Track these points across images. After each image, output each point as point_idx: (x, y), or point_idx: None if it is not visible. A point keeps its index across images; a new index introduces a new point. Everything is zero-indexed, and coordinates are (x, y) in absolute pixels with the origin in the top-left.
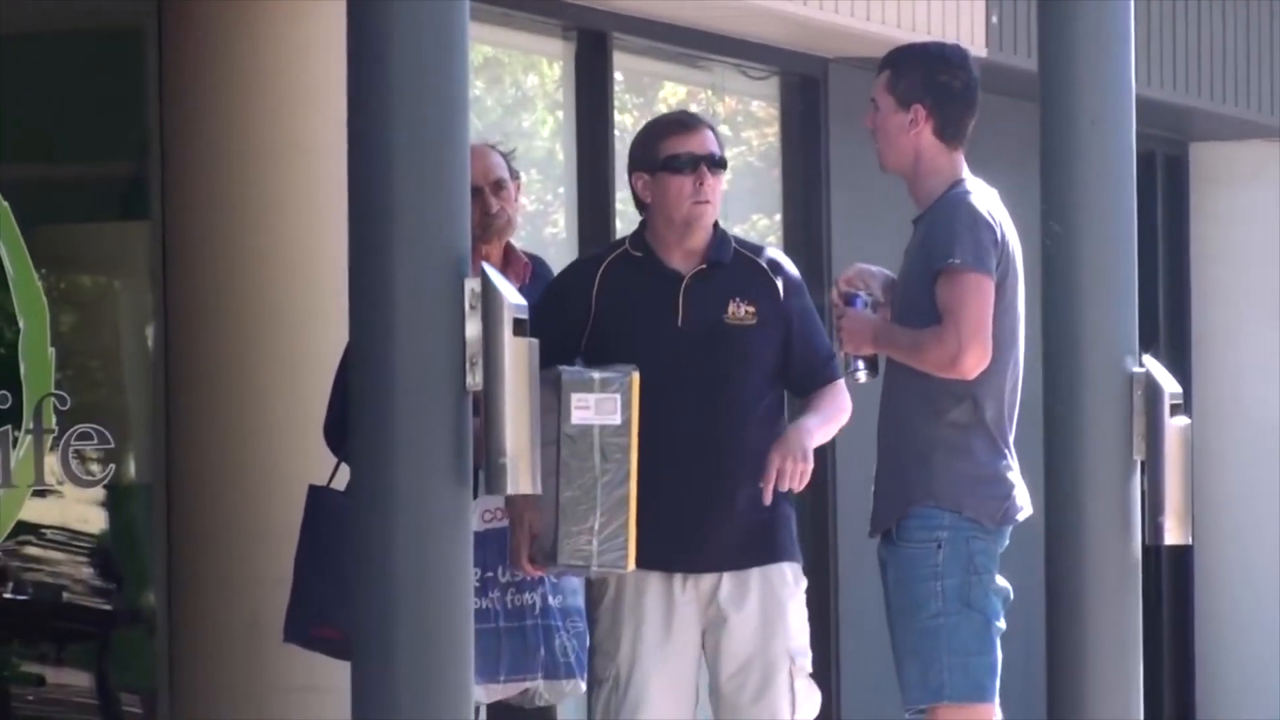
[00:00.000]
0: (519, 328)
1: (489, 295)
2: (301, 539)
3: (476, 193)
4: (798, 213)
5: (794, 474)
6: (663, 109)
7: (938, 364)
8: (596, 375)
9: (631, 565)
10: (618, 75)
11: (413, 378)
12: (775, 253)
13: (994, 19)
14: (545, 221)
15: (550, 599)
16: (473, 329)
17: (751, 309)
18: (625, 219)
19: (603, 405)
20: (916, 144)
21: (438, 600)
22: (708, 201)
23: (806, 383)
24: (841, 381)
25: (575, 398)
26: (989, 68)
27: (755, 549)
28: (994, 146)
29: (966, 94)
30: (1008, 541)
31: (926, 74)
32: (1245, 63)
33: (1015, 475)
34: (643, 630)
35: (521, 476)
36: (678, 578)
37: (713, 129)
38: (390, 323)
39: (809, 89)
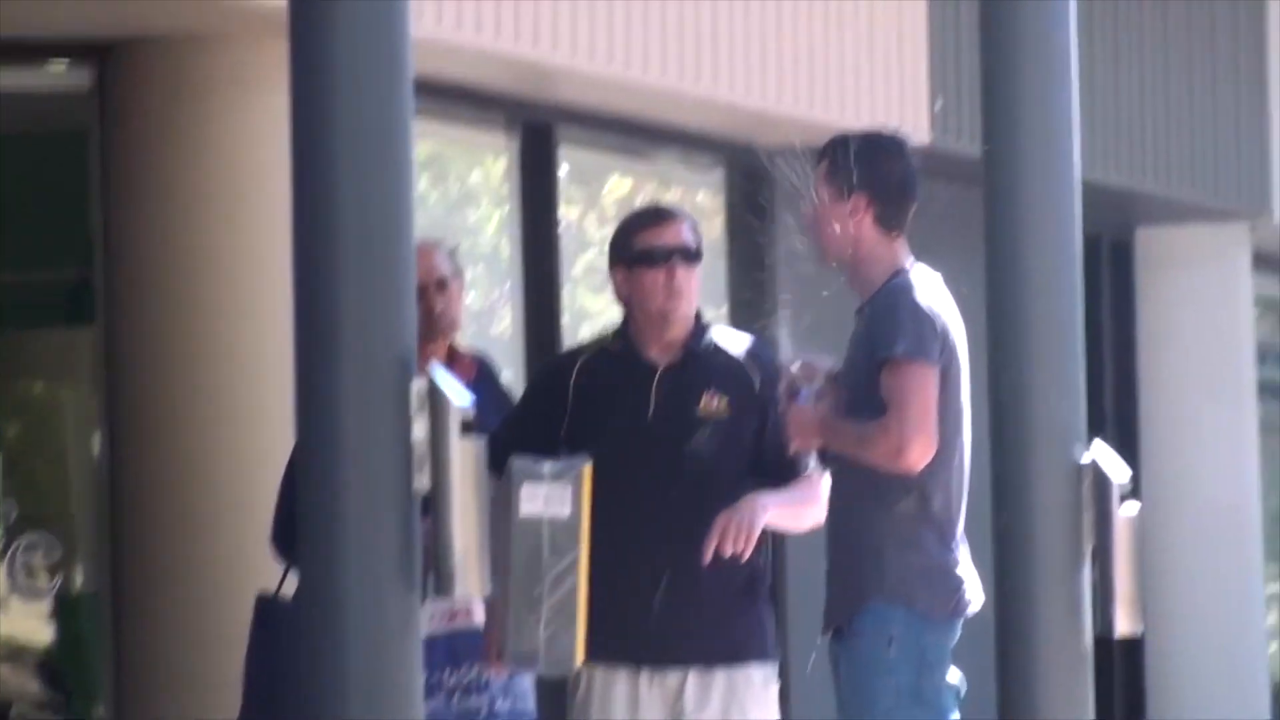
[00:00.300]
0: (466, 429)
1: (435, 396)
2: (250, 651)
3: (420, 292)
4: (743, 302)
5: (736, 537)
6: (608, 202)
7: (884, 457)
8: (547, 466)
9: (579, 662)
10: (562, 169)
11: (360, 480)
12: (755, 344)
13: (937, 104)
14: (492, 318)
15: (499, 702)
16: (419, 430)
17: (725, 400)
18: (572, 313)
19: (552, 497)
20: (857, 233)
21: (388, 706)
22: (680, 295)
23: (780, 473)
24: (816, 475)
25: (525, 489)
26: (932, 154)
27: (723, 647)
28: (938, 233)
29: (906, 182)
30: (959, 634)
31: (865, 163)
32: (1190, 146)
33: (965, 567)
34: None
35: (470, 579)
36: (644, 674)
37: (689, 221)
38: (337, 425)
39: (753, 179)
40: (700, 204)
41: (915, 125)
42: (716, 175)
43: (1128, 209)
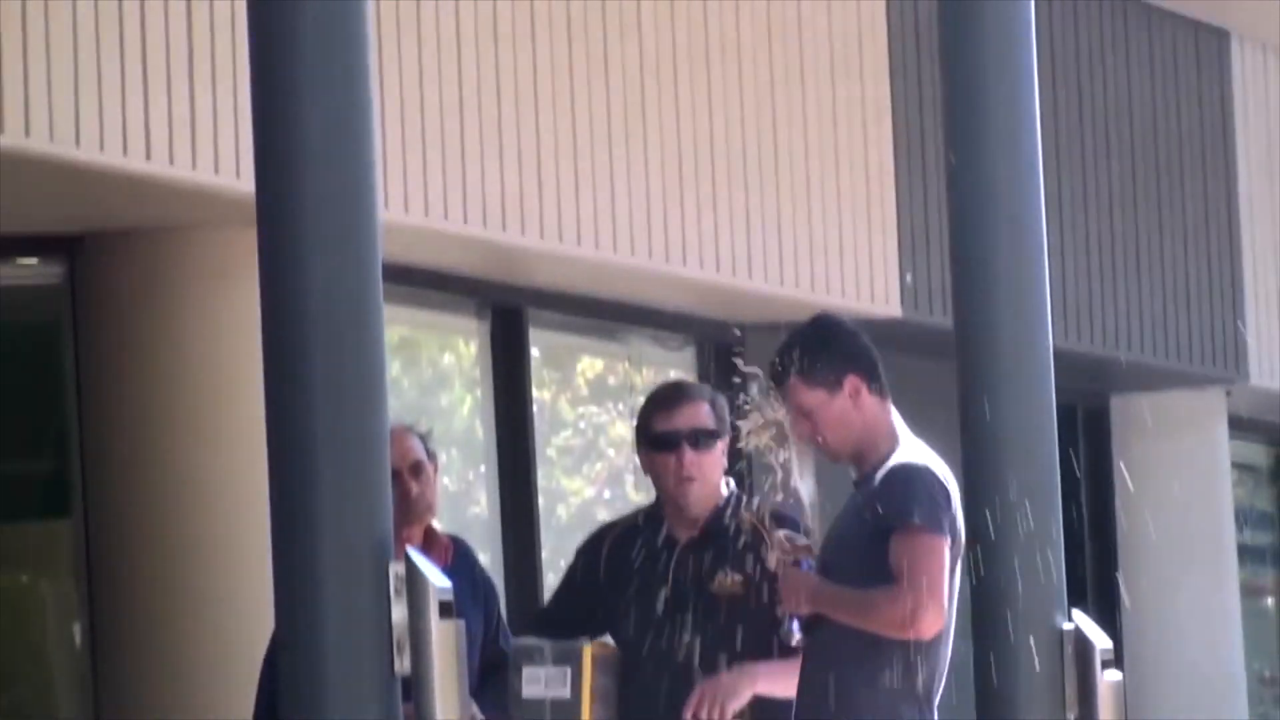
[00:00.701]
0: (445, 610)
1: (414, 579)
2: None
3: (394, 476)
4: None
5: (711, 706)
6: (581, 383)
7: (891, 622)
8: (548, 647)
9: None
10: (534, 350)
11: (340, 663)
12: (776, 514)
13: (908, 278)
14: (468, 500)
15: None
16: (398, 613)
17: (739, 577)
18: (548, 494)
19: (552, 680)
20: (863, 415)
21: None
22: (691, 479)
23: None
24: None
25: (526, 671)
26: (903, 327)
27: None
28: (913, 405)
29: (869, 345)
30: None
31: (833, 348)
32: (1163, 312)
33: None
34: None
35: None
36: None
37: (708, 400)
38: (316, 608)
39: (725, 355)
40: None
41: (886, 299)
42: (688, 354)
43: (1102, 377)
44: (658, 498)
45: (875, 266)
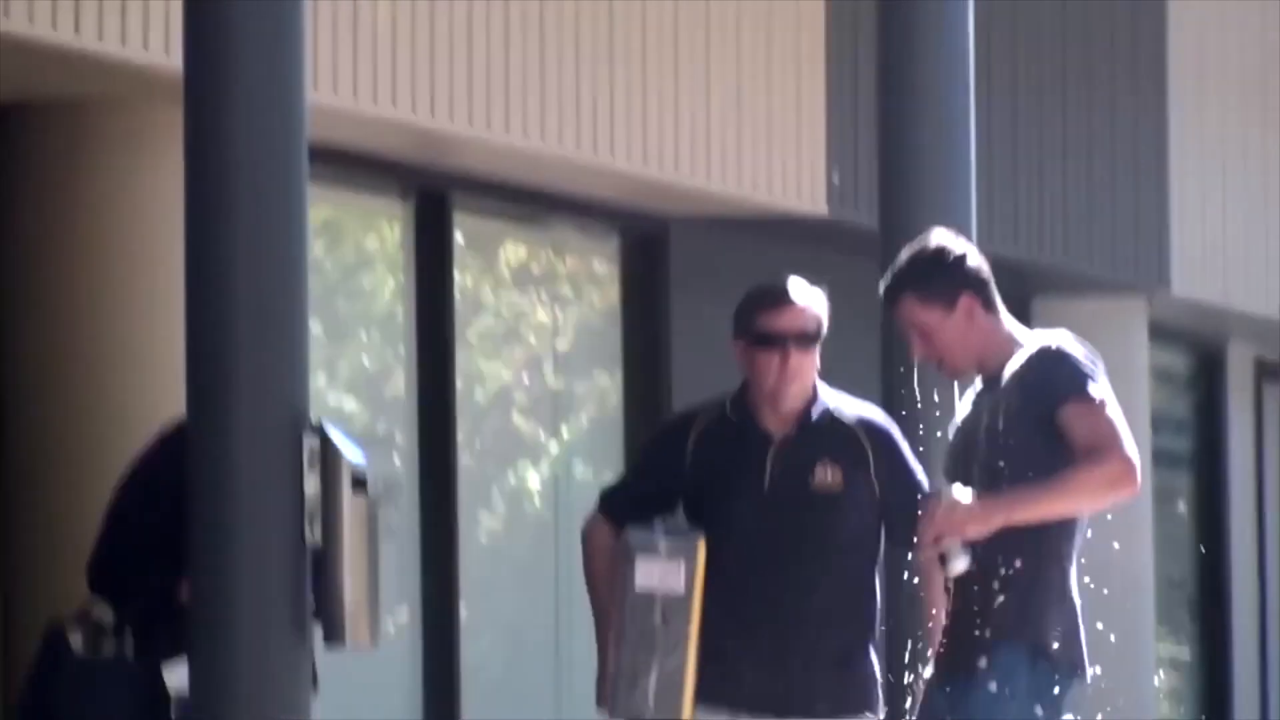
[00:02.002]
0: (358, 484)
1: (328, 452)
2: (33, 682)
3: None
4: (638, 371)
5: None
6: (504, 269)
7: (1110, 483)
8: (663, 543)
9: (687, 714)
10: (458, 236)
11: (251, 534)
12: (871, 415)
13: (835, 177)
14: (386, 381)
15: None
16: (311, 486)
17: (839, 475)
18: (466, 378)
19: (667, 574)
20: (981, 332)
21: None
22: (793, 379)
23: (907, 539)
24: None
25: (640, 564)
26: (830, 226)
27: (823, 702)
28: (836, 304)
29: (982, 263)
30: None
31: (951, 267)
32: (1088, 219)
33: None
34: None
35: (361, 629)
36: (742, 717)
37: (812, 302)
38: (230, 479)
39: (650, 247)
40: (596, 271)
41: (812, 199)
42: (612, 244)
43: (1025, 281)
44: (742, 388)
45: (802, 165)
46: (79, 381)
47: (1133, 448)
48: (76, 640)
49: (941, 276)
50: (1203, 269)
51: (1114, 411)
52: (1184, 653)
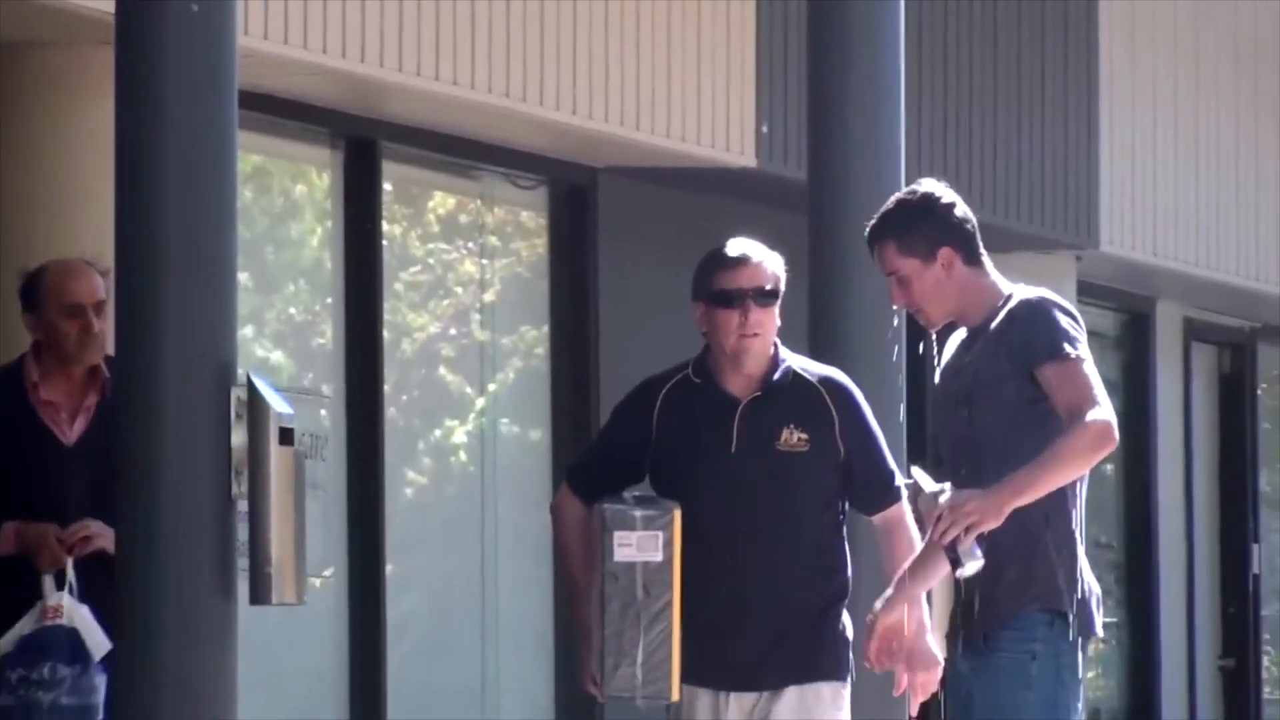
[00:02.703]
0: (285, 437)
1: (255, 404)
2: None
3: (79, 311)
4: (565, 323)
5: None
6: (432, 219)
7: (1090, 450)
8: (638, 513)
9: (675, 695)
10: (386, 185)
11: (178, 487)
12: (834, 375)
13: (764, 128)
14: (313, 332)
15: (64, 698)
16: (238, 438)
17: (805, 435)
18: (393, 329)
19: (644, 543)
20: (958, 284)
21: (201, 709)
22: (755, 335)
23: (870, 503)
24: (904, 505)
25: (618, 536)
26: (758, 177)
27: (794, 668)
28: None
29: (968, 215)
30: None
31: (934, 218)
32: (1017, 175)
33: (1094, 583)
34: None
35: (287, 586)
36: (723, 695)
37: (769, 260)
38: (157, 430)
39: (577, 198)
40: (524, 223)
41: (741, 149)
42: (540, 195)
43: None
44: (704, 353)
45: (732, 116)
46: (5, 327)
47: (1107, 404)
48: None
49: (923, 226)
50: (1132, 227)
51: (1090, 369)
52: (1111, 618)
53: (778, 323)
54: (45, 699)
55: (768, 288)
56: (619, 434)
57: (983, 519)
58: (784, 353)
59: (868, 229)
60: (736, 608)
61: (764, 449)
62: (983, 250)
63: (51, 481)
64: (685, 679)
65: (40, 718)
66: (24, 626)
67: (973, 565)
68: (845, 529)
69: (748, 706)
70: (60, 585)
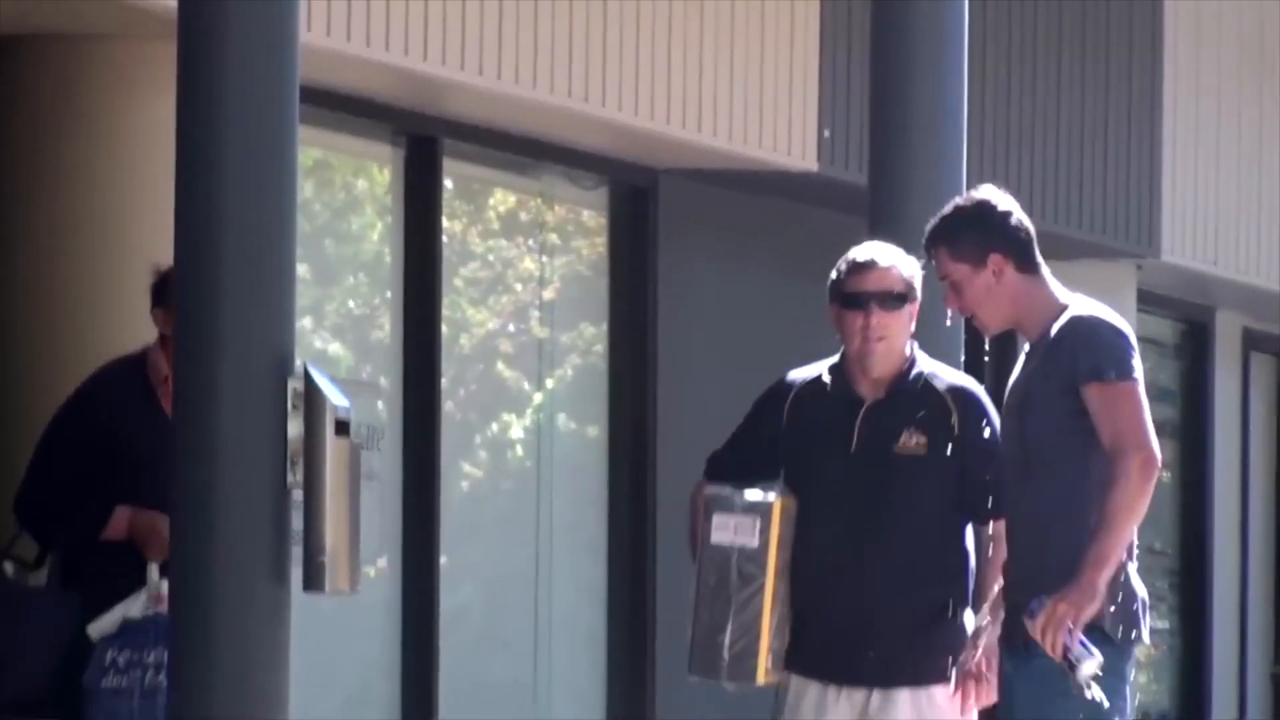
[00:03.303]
0: (341, 428)
1: (311, 395)
2: None
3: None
4: (624, 322)
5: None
6: (492, 216)
7: (1142, 487)
8: (740, 498)
9: (761, 680)
10: (447, 182)
11: (234, 475)
12: (965, 383)
13: (826, 133)
14: (372, 325)
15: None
16: (294, 428)
17: (923, 440)
18: (452, 324)
19: (742, 528)
20: (1010, 292)
21: (254, 698)
22: (880, 339)
23: (973, 514)
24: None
25: (716, 518)
26: (820, 182)
27: (907, 670)
28: (823, 260)
29: (1021, 223)
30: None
31: (985, 224)
32: (1079, 184)
33: (1142, 589)
34: None
35: (340, 575)
36: (832, 689)
37: (901, 263)
38: (213, 418)
39: (638, 199)
40: (584, 222)
41: (803, 153)
42: (601, 194)
43: None
44: (842, 355)
45: (794, 119)
46: (64, 320)
47: (1148, 432)
48: (7, 568)
49: (974, 232)
50: (1193, 236)
51: (1133, 391)
52: (1164, 623)
53: (910, 327)
54: (162, 682)
55: (895, 291)
56: (751, 427)
57: (1079, 612)
58: (921, 359)
59: (925, 234)
60: (851, 605)
61: (883, 451)
62: (1040, 259)
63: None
64: (794, 669)
65: (161, 699)
66: (129, 610)
67: (1090, 664)
68: (969, 535)
69: (859, 703)
70: (164, 574)
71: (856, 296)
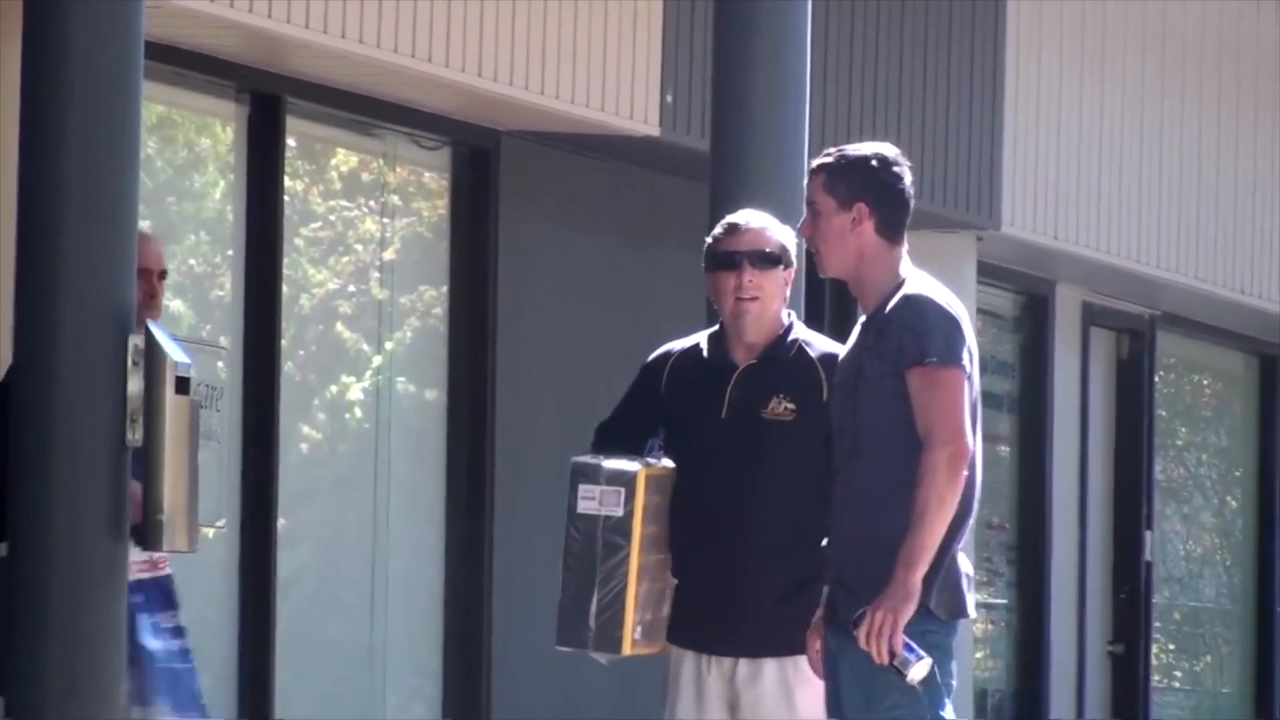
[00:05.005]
0: (181, 385)
1: (152, 352)
2: None
3: (145, 275)
4: (464, 284)
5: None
6: (334, 176)
7: (950, 480)
8: (605, 467)
9: (628, 650)
10: (290, 140)
11: (72, 432)
12: (836, 349)
13: (668, 97)
14: (212, 284)
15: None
16: (135, 385)
17: (792, 406)
18: (291, 283)
19: (606, 497)
20: (859, 243)
21: (89, 651)
22: (753, 298)
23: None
24: None
25: (582, 489)
26: (662, 146)
27: (774, 640)
28: (664, 226)
29: (905, 192)
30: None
31: (867, 173)
32: (920, 154)
33: (966, 566)
34: (677, 705)
35: (179, 534)
36: (704, 657)
37: (771, 227)
38: (52, 374)
39: (480, 160)
40: (426, 183)
41: (645, 117)
42: (443, 156)
43: None
44: (721, 324)
45: (637, 84)
46: None
47: (964, 423)
48: None
49: (855, 175)
50: (1033, 209)
51: (954, 381)
52: (1002, 599)
53: (784, 293)
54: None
55: (767, 250)
56: (633, 395)
57: (898, 616)
58: (798, 327)
59: (817, 157)
60: (718, 572)
61: (752, 416)
62: (903, 234)
63: None
64: (671, 638)
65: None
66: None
67: (919, 667)
68: None
69: (727, 671)
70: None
71: (729, 256)
